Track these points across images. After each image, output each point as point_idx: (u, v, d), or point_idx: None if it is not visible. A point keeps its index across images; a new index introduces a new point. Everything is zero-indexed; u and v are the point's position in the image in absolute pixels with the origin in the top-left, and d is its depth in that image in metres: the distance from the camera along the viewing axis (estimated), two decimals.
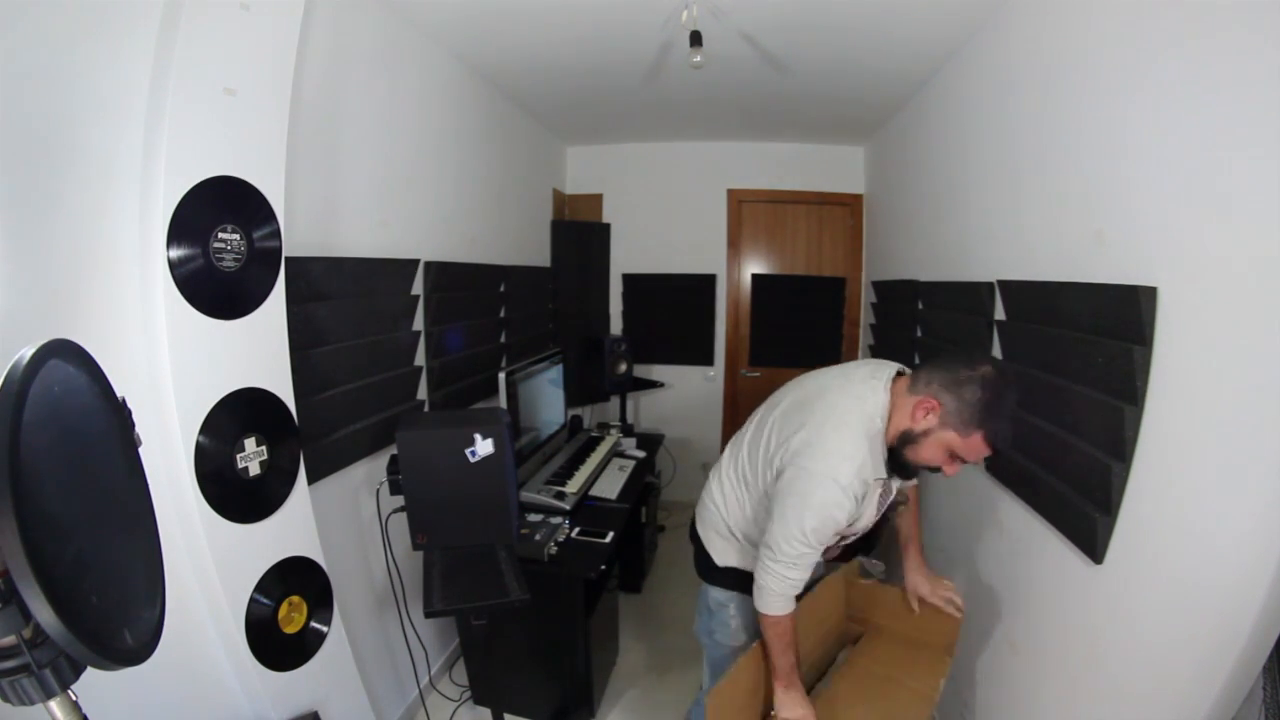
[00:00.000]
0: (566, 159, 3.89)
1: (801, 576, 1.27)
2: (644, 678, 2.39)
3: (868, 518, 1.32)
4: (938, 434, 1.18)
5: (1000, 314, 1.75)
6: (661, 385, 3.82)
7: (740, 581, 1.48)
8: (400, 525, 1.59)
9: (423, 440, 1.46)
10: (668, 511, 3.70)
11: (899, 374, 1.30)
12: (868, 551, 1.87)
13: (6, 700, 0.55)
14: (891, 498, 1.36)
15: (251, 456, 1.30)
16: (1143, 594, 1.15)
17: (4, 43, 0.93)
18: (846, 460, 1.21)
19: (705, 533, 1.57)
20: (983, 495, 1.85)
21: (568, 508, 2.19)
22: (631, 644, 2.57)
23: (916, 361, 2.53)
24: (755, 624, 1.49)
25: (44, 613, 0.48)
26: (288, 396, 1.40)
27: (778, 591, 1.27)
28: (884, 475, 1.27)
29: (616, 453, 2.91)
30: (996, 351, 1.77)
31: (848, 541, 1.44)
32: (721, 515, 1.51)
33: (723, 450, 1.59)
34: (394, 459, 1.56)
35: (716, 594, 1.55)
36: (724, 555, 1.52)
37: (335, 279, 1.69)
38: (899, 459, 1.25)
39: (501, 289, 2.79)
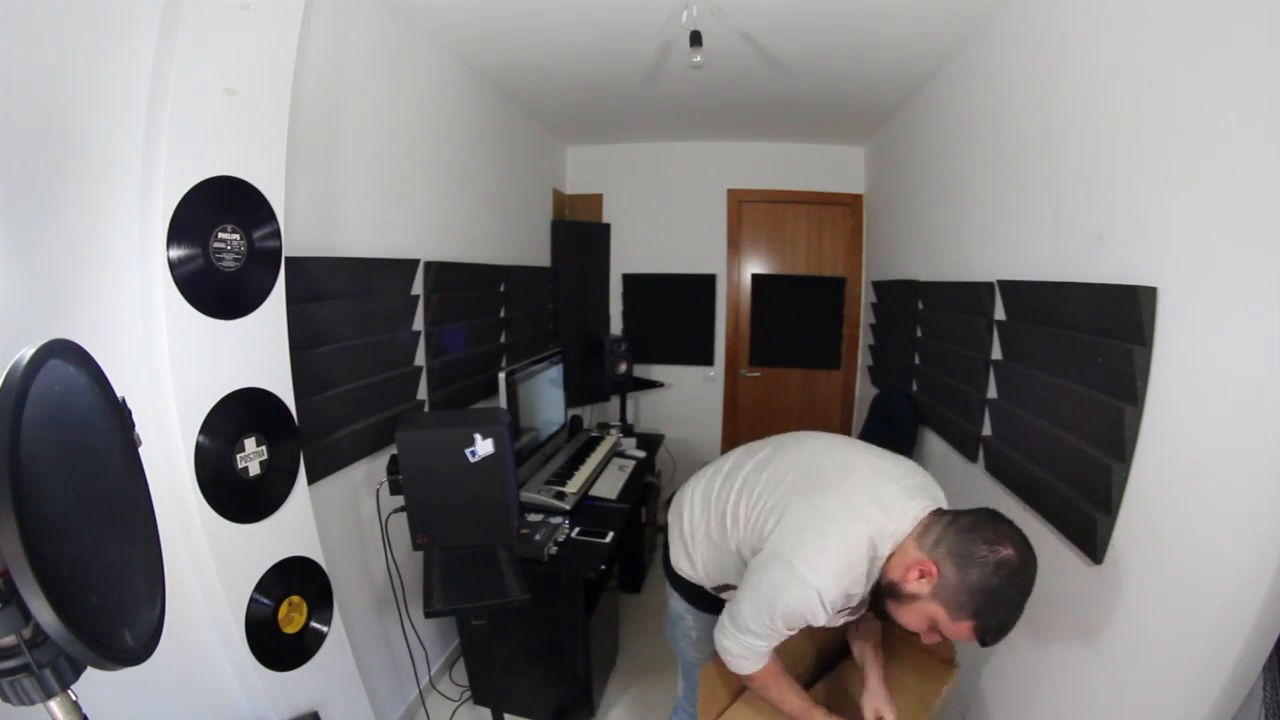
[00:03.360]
0: (566, 159, 3.89)
1: (767, 645, 1.16)
2: (644, 678, 2.39)
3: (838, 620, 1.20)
4: (925, 604, 1.02)
5: (1000, 314, 1.75)
6: (661, 385, 3.82)
7: (694, 596, 1.44)
8: (400, 525, 1.59)
9: (423, 440, 1.46)
10: (667, 511, 3.70)
11: (935, 510, 1.11)
12: None
13: (6, 700, 0.55)
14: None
15: (251, 456, 1.30)
16: (1143, 594, 1.15)
17: (4, 43, 0.93)
18: (837, 578, 1.07)
19: (671, 532, 1.49)
20: (983, 495, 1.84)
21: (568, 508, 2.19)
22: (631, 644, 2.56)
23: (916, 361, 2.53)
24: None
25: (44, 613, 0.48)
26: (288, 396, 1.40)
27: (741, 655, 1.17)
28: (861, 597, 1.13)
29: (616, 453, 2.91)
30: (996, 352, 1.77)
31: None
32: (683, 527, 1.43)
33: (723, 452, 1.54)
34: (394, 459, 1.56)
35: (675, 604, 1.50)
36: (677, 560, 1.44)
37: (335, 279, 1.69)
38: (878, 603, 1.11)
39: (501, 289, 2.79)
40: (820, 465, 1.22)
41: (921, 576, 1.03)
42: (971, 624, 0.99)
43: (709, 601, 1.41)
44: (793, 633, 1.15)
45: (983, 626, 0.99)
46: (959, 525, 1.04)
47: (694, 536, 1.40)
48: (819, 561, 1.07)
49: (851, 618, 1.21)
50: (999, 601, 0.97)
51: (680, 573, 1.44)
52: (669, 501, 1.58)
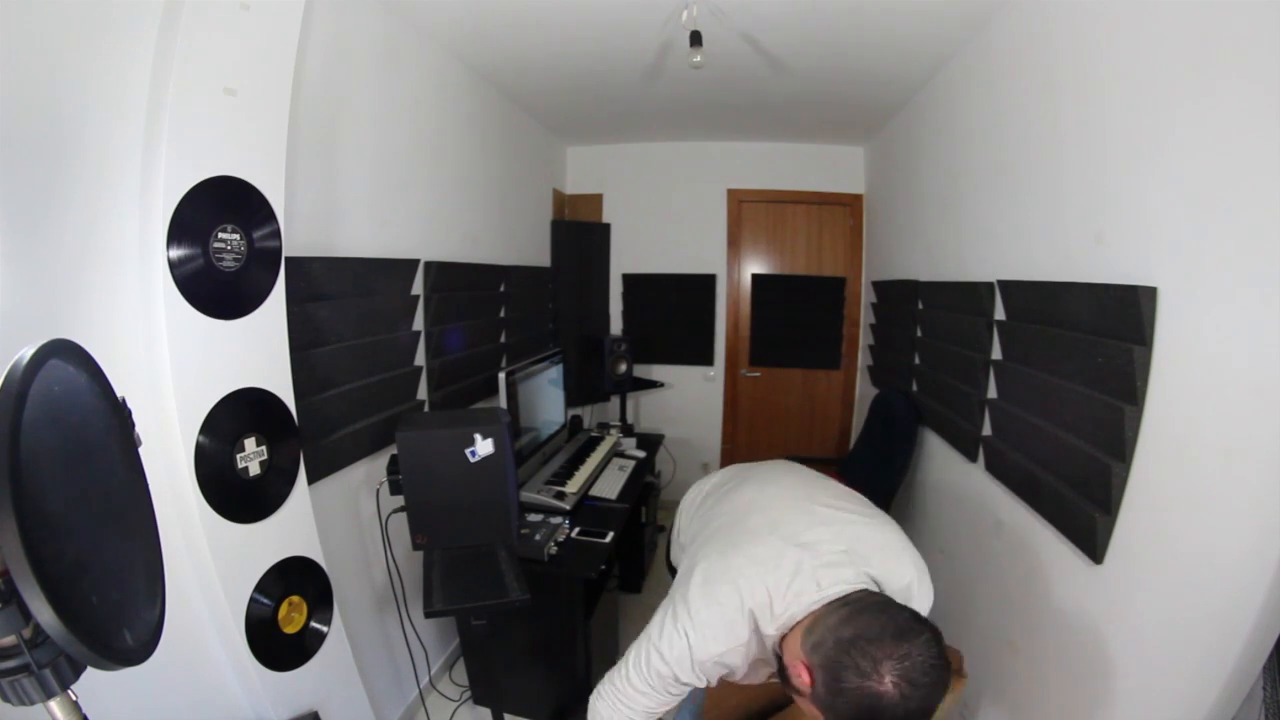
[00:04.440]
0: (566, 159, 3.89)
1: (640, 708, 1.07)
2: None
3: (754, 678, 1.13)
4: (807, 703, 0.91)
5: (1000, 314, 1.75)
6: (661, 385, 3.82)
7: None
8: (400, 525, 1.59)
9: (423, 440, 1.46)
10: (668, 511, 3.68)
11: (833, 601, 0.96)
12: None
13: (6, 700, 0.55)
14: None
15: (251, 456, 1.30)
16: (1143, 594, 1.15)
17: (4, 43, 0.93)
18: (712, 641, 1.01)
19: (672, 533, 1.55)
20: (983, 495, 1.85)
21: (568, 508, 2.19)
22: (631, 644, 2.56)
23: (916, 361, 2.53)
24: None
25: (44, 613, 0.48)
26: (288, 396, 1.40)
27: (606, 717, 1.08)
28: (774, 665, 1.03)
29: (616, 453, 2.91)
30: (996, 352, 1.77)
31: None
32: (679, 531, 1.50)
33: (723, 453, 1.56)
34: (394, 459, 1.56)
35: None
36: (678, 560, 1.43)
37: (335, 279, 1.69)
38: (784, 679, 0.98)
39: (501, 289, 2.79)
40: (749, 520, 1.17)
41: (802, 674, 0.90)
42: None
43: None
44: (665, 697, 1.06)
45: None
46: (840, 635, 0.87)
47: (684, 546, 1.40)
48: (700, 617, 1.02)
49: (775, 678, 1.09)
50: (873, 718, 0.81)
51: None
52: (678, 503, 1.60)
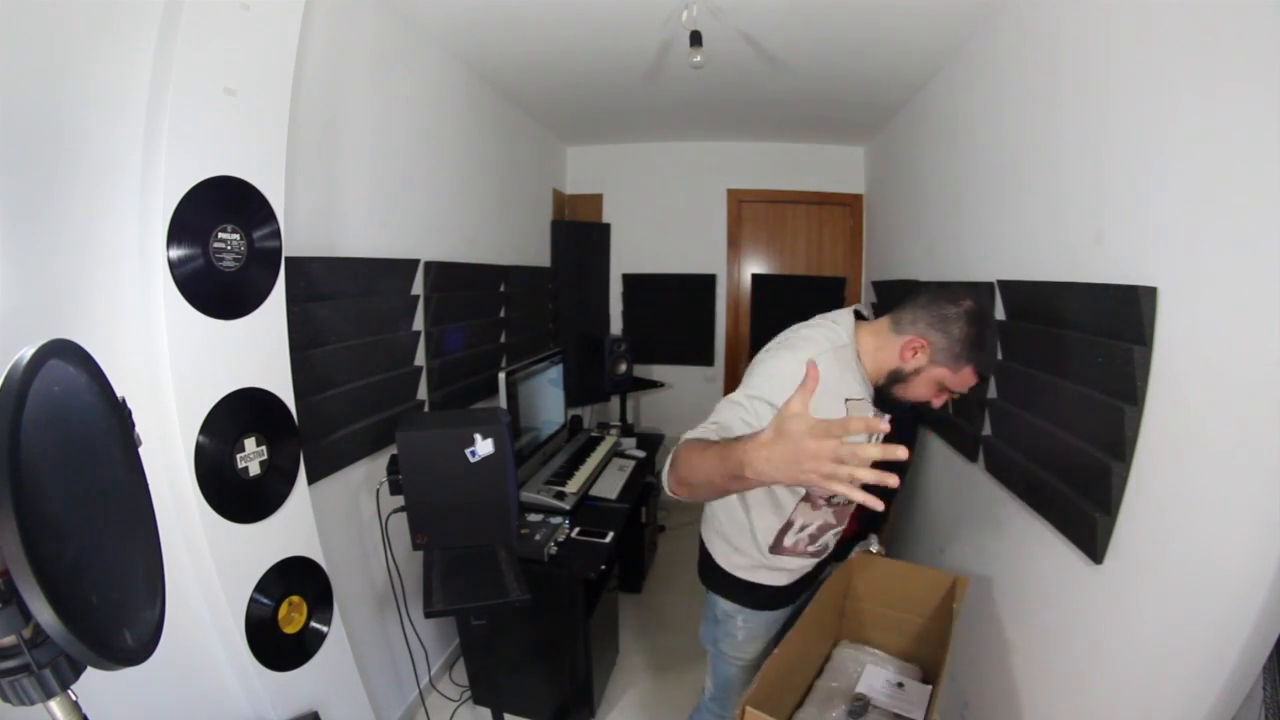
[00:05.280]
0: (566, 159, 3.89)
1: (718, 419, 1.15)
2: (644, 678, 2.39)
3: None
4: (928, 371, 1.19)
5: (1000, 314, 1.75)
6: (661, 385, 3.82)
7: (748, 594, 1.43)
8: (400, 525, 1.59)
9: (423, 440, 1.46)
10: (668, 511, 3.70)
11: (856, 314, 1.29)
12: (877, 532, 1.89)
13: (6, 700, 0.55)
14: (880, 437, 1.21)
15: (251, 456, 1.30)
16: (1143, 594, 1.15)
17: (4, 42, 0.93)
18: (775, 381, 1.13)
19: (708, 534, 1.50)
20: (983, 495, 1.85)
21: (568, 508, 2.19)
22: (631, 644, 2.57)
23: None
24: (765, 636, 1.47)
25: (44, 613, 0.48)
26: (288, 396, 1.40)
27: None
28: (861, 397, 1.21)
29: (616, 453, 2.91)
30: (996, 352, 1.77)
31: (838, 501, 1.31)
32: (717, 513, 1.44)
33: None
34: (394, 459, 1.56)
35: (724, 605, 1.48)
36: (725, 557, 1.45)
37: (335, 279, 1.69)
38: (888, 395, 1.25)
39: (501, 289, 2.79)
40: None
41: (916, 352, 1.18)
42: (971, 367, 1.17)
43: (766, 599, 1.43)
44: (755, 415, 1.11)
45: (981, 363, 1.17)
46: (920, 303, 1.19)
47: (725, 515, 1.40)
48: (781, 354, 1.21)
49: (834, 522, 1.34)
50: (983, 340, 1.15)
51: (726, 568, 1.42)
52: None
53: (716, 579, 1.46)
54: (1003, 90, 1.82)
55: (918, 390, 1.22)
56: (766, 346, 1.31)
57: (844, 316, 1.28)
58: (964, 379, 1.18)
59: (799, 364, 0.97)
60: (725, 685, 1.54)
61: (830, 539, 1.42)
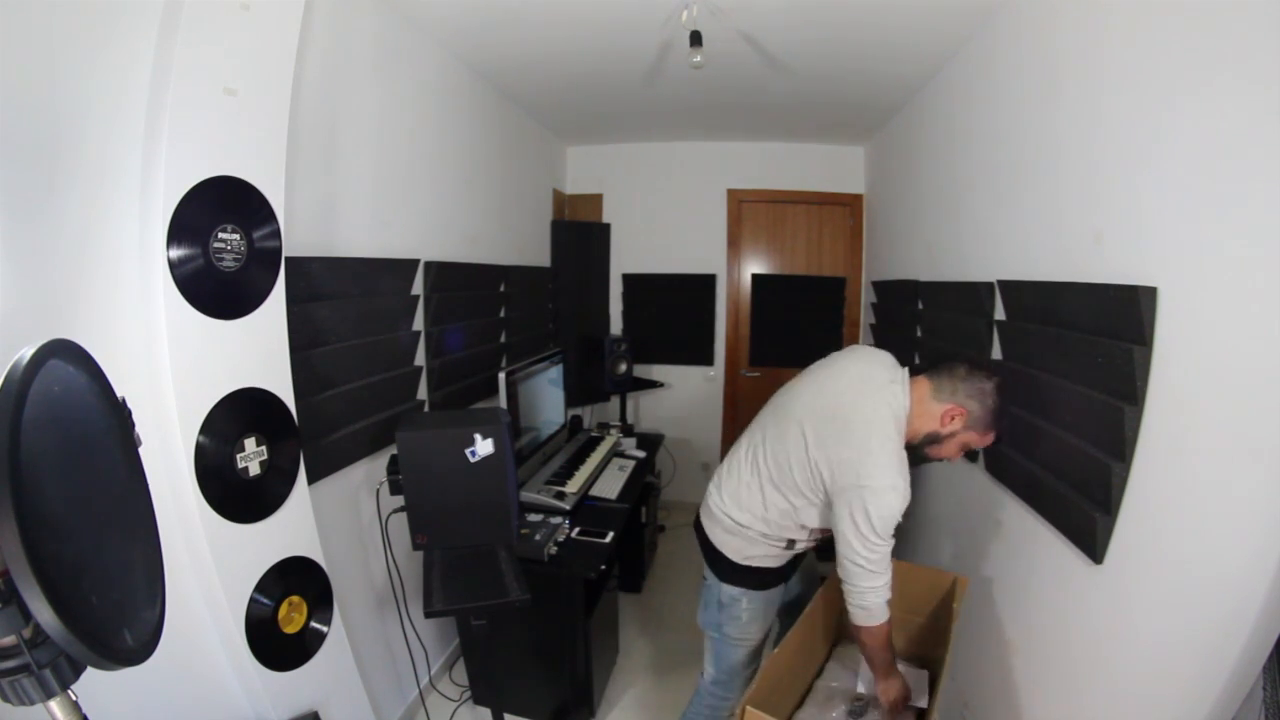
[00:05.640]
0: (566, 159, 3.89)
1: (887, 579, 1.33)
2: (644, 678, 2.39)
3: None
4: (961, 435, 1.37)
5: (1000, 314, 1.75)
6: (661, 385, 3.82)
7: (756, 579, 1.54)
8: (400, 525, 1.59)
9: (423, 440, 1.46)
10: (668, 511, 3.70)
11: (915, 373, 1.42)
12: None
13: (6, 700, 0.55)
14: None
15: (251, 456, 1.30)
16: (1143, 594, 1.15)
17: (4, 42, 0.93)
18: (896, 470, 1.29)
19: (715, 533, 1.56)
20: (983, 495, 1.85)
21: (568, 508, 2.19)
22: (631, 644, 2.57)
23: (916, 361, 2.53)
24: (765, 617, 1.60)
25: (44, 613, 0.48)
26: (288, 396, 1.40)
27: (878, 604, 1.32)
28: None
29: (616, 453, 2.91)
30: (996, 352, 1.77)
31: None
32: (730, 511, 1.52)
33: (723, 453, 1.60)
34: (394, 459, 1.56)
35: (729, 590, 1.56)
36: (740, 551, 1.52)
37: (335, 279, 1.69)
38: (918, 454, 1.39)
39: (501, 289, 2.79)
40: (833, 407, 1.40)
41: (954, 419, 1.35)
42: (995, 433, 1.38)
43: (767, 580, 1.55)
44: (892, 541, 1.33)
45: (1002, 429, 1.40)
46: (958, 374, 1.37)
47: (745, 511, 1.50)
48: (880, 471, 1.28)
49: None
50: (1005, 411, 1.38)
51: (743, 563, 1.52)
52: (697, 522, 1.67)
53: (726, 569, 1.56)
54: (1002, 90, 1.82)
55: (947, 450, 1.39)
56: (829, 409, 1.39)
57: (900, 384, 1.38)
58: (985, 441, 1.38)
59: (900, 497, 1.27)
60: (729, 669, 1.62)
61: None
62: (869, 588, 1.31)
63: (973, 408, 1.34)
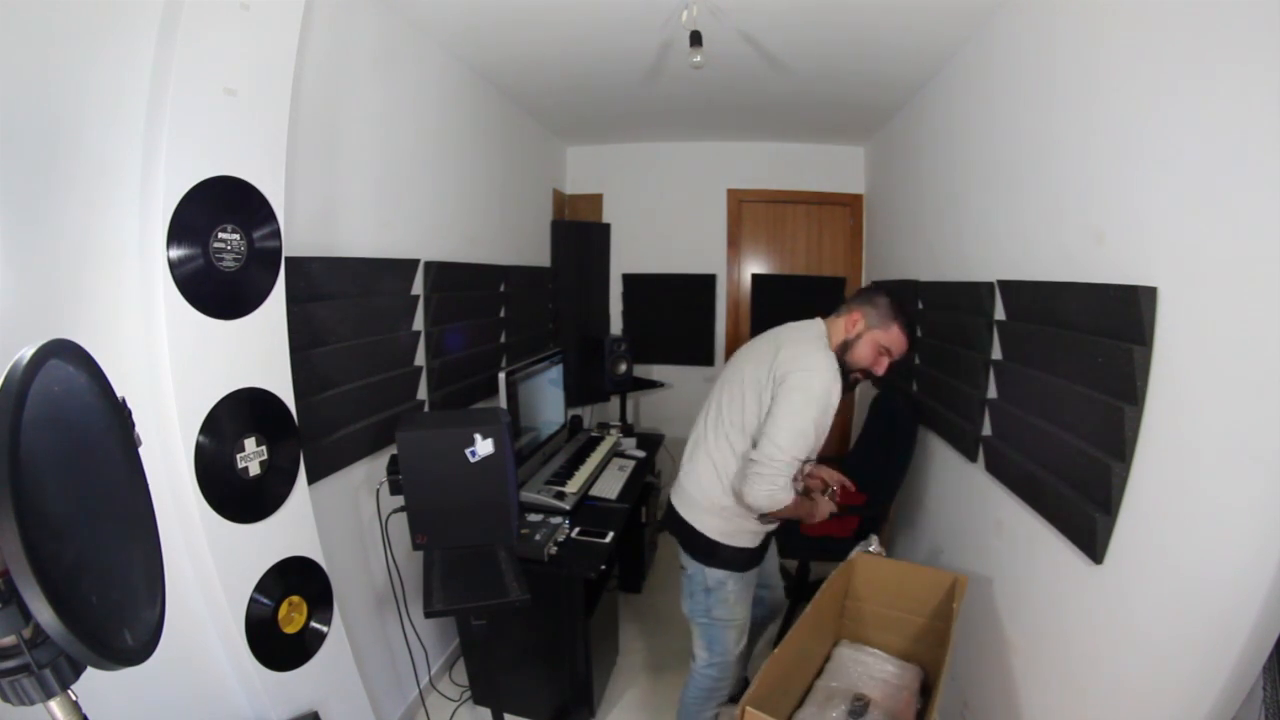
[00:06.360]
0: (566, 159, 3.89)
1: (787, 495, 1.48)
2: (644, 678, 2.39)
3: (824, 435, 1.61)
4: (866, 335, 1.57)
5: (1000, 314, 1.75)
6: (661, 385, 3.82)
7: (738, 560, 1.65)
8: (400, 525, 1.59)
9: (423, 440, 1.46)
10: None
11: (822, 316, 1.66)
12: (877, 532, 1.93)
13: (6, 700, 0.55)
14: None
15: (251, 456, 1.30)
16: (1143, 594, 1.15)
17: (4, 42, 0.93)
18: (828, 364, 1.51)
19: (696, 516, 1.64)
20: (983, 495, 1.85)
21: (568, 508, 2.19)
22: (631, 644, 2.57)
23: (916, 361, 2.53)
24: (748, 598, 1.71)
25: (44, 613, 0.48)
26: (288, 396, 1.39)
27: (769, 496, 1.46)
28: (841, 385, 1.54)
29: (616, 453, 2.91)
30: (996, 352, 1.77)
31: (810, 463, 1.63)
32: (709, 492, 1.62)
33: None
34: (394, 459, 1.56)
35: (714, 574, 1.65)
36: (719, 530, 1.62)
37: (335, 279, 1.69)
38: (842, 365, 1.55)
39: (501, 289, 2.79)
40: (762, 350, 1.62)
41: (855, 323, 1.58)
42: (898, 324, 1.56)
43: (747, 561, 1.66)
44: (815, 447, 1.53)
45: (904, 322, 1.57)
46: (850, 298, 1.65)
47: (723, 485, 1.60)
48: (812, 361, 1.51)
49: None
50: (901, 308, 1.58)
51: (726, 540, 1.62)
52: (670, 511, 1.76)
53: (707, 551, 1.64)
54: (1002, 90, 1.82)
55: (862, 352, 1.57)
56: (760, 353, 1.62)
57: (813, 322, 1.66)
58: (895, 337, 1.56)
59: (833, 380, 1.49)
60: (723, 650, 1.70)
61: None
62: (761, 487, 1.46)
63: (867, 310, 1.58)
